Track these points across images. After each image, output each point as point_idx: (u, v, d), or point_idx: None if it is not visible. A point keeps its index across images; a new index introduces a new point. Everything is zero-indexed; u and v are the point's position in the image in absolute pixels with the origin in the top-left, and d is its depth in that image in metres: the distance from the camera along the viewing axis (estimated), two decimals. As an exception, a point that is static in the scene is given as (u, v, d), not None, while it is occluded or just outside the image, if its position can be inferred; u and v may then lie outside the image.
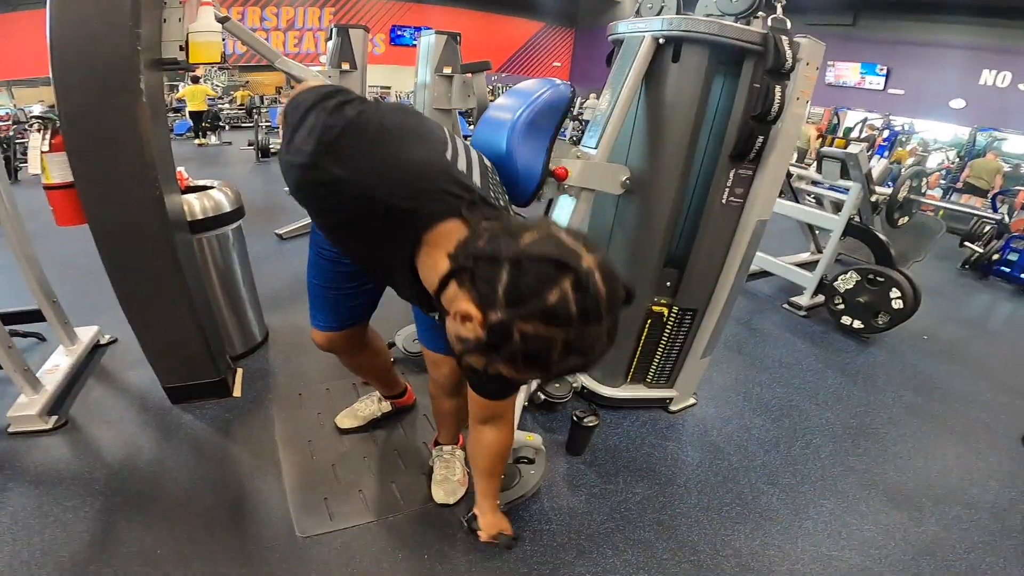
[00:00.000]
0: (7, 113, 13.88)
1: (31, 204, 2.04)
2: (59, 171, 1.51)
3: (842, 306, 3.05)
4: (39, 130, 1.58)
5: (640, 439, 1.98)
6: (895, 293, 2.84)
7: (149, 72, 1.48)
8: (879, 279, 2.90)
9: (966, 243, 4.88)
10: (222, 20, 2.26)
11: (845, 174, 3.13)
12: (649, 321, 1.95)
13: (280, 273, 3.17)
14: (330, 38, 4.06)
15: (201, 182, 2.08)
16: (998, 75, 10.81)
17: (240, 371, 2.13)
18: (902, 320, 2.88)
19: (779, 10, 1.59)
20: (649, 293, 1.92)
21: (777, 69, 1.51)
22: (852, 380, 2.60)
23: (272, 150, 7.72)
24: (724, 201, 1.73)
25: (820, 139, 9.65)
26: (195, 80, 9.33)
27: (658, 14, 1.78)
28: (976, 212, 5.05)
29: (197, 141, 9.10)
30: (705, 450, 1.97)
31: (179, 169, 1.80)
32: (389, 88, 14.65)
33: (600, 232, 1.95)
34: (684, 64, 1.58)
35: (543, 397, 2.02)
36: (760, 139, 1.59)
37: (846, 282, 3.02)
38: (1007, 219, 4.67)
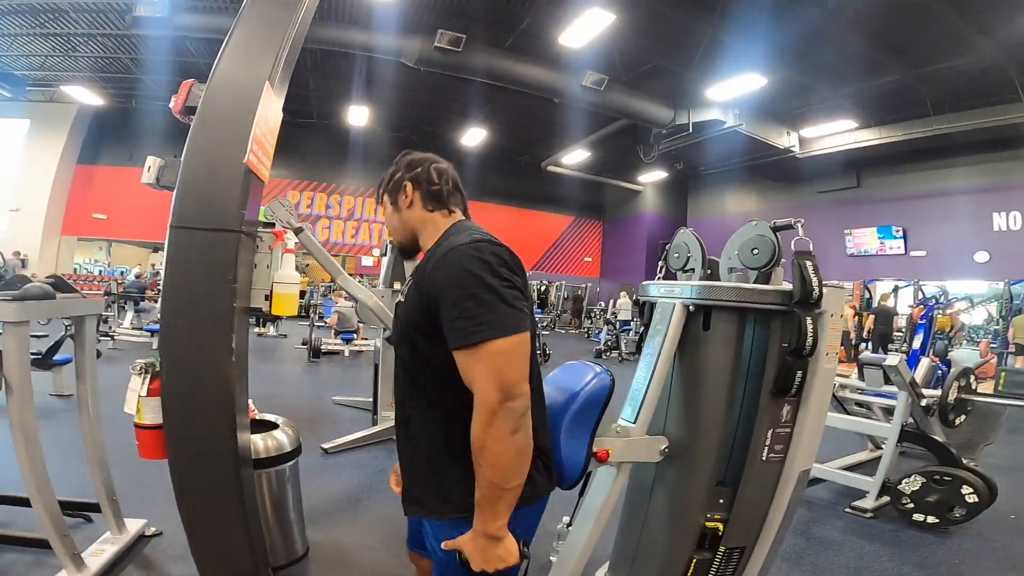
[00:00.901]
0: (101, 273, 14.96)
1: (104, 380, 2.28)
2: (152, 414, 1.71)
3: (911, 505, 2.85)
4: (140, 374, 1.82)
5: None
6: (967, 489, 2.68)
7: (239, 319, 1.73)
8: (946, 479, 2.75)
9: (1035, 416, 4.57)
10: (297, 231, 2.62)
11: (889, 379, 3.14)
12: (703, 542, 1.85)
13: (323, 489, 3.17)
14: (385, 253, 4.64)
15: (267, 416, 2.32)
16: (1008, 217, 10.99)
17: (279, 582, 2.12)
18: (980, 511, 2.68)
19: (800, 231, 1.68)
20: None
21: (806, 300, 1.56)
22: (935, 573, 2.37)
23: (324, 350, 8.00)
24: (764, 458, 1.74)
25: (856, 316, 9.58)
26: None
27: (683, 266, 1.98)
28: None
29: (257, 330, 9.79)
30: None
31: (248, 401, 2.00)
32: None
33: (640, 491, 1.95)
34: (715, 331, 1.70)
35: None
36: (799, 374, 1.63)
37: (911, 484, 2.85)
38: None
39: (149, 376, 1.77)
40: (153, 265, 15.16)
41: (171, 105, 1.89)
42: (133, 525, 2.35)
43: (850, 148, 11.76)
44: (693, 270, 1.97)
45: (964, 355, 7.68)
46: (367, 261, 16.72)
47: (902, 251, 12.79)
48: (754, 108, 11.11)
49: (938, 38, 7.98)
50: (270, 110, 1.91)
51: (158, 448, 1.69)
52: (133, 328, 8.12)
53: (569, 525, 1.83)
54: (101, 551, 2.14)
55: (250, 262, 1.93)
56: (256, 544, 1.87)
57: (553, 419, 1.37)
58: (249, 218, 1.80)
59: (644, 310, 2.01)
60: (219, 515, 1.74)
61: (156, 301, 9.31)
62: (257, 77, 1.83)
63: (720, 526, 1.86)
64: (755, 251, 1.77)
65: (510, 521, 1.06)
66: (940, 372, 4.47)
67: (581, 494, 1.74)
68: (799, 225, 1.75)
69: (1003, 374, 6.63)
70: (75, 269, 15.13)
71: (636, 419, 1.71)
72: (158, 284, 12.13)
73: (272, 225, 2.07)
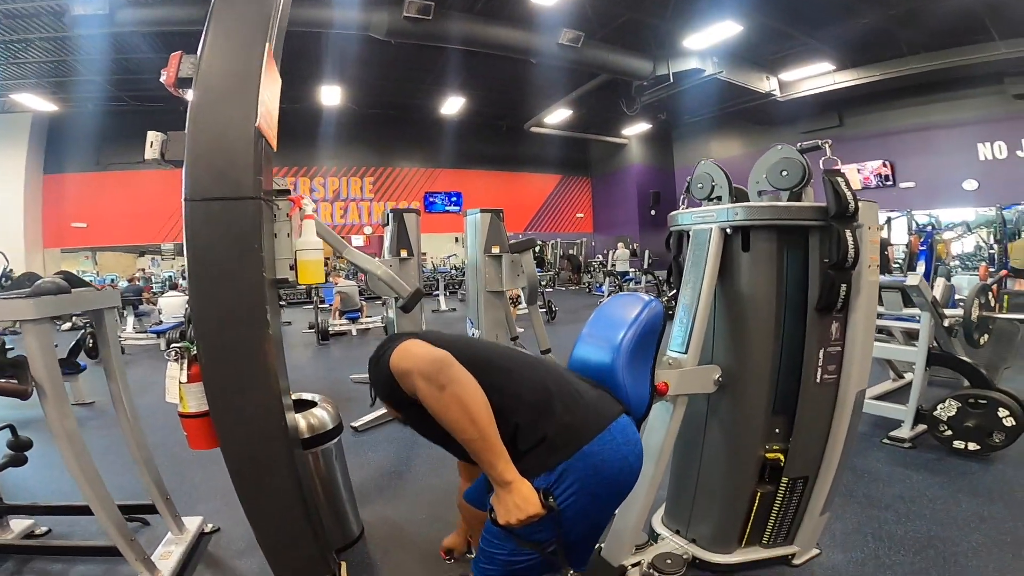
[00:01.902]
0: (92, 282, 14.64)
1: (136, 381, 2.27)
2: (195, 401, 1.63)
3: (949, 432, 2.86)
4: (176, 359, 1.72)
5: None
6: (1003, 412, 2.68)
7: (270, 292, 1.64)
8: (981, 401, 2.75)
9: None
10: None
11: (908, 302, 3.12)
12: (766, 472, 1.86)
13: (362, 467, 3.12)
14: (386, 223, 4.49)
15: (304, 395, 2.26)
16: (993, 146, 11.25)
17: (344, 564, 2.09)
18: (1019, 435, 2.68)
19: (828, 151, 1.71)
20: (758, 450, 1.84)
21: (842, 213, 1.58)
22: (988, 499, 2.40)
23: (331, 332, 7.97)
24: (818, 380, 1.73)
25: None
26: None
27: (709, 195, 1.94)
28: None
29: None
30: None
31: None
32: (425, 254, 15.74)
33: (693, 429, 1.94)
34: (755, 252, 1.67)
35: (655, 574, 1.89)
36: (843, 287, 1.63)
37: (947, 410, 2.85)
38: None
39: (187, 361, 1.68)
40: (142, 270, 14.87)
41: (163, 80, 1.76)
42: (191, 523, 2.31)
43: (830, 89, 11.90)
44: (720, 198, 1.95)
45: (965, 281, 7.75)
46: (358, 240, 16.47)
47: (891, 183, 12.95)
48: (732, 55, 11.07)
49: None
50: (271, 76, 1.79)
51: (208, 437, 1.61)
52: (137, 332, 8.00)
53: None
54: (168, 553, 2.11)
55: (270, 232, 1.83)
56: (317, 528, 1.84)
57: (611, 355, 1.35)
58: (264, 187, 1.70)
59: (670, 241, 1.99)
60: (279, 502, 1.69)
61: (154, 303, 9.16)
62: (253, 40, 1.69)
63: (781, 456, 1.86)
64: (784, 172, 1.77)
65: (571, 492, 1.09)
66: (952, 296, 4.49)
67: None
68: (827, 145, 1.76)
69: (1006, 296, 6.72)
70: (63, 281, 14.72)
71: (687, 349, 1.69)
72: (152, 288, 11.92)
73: (287, 192, 1.95)
